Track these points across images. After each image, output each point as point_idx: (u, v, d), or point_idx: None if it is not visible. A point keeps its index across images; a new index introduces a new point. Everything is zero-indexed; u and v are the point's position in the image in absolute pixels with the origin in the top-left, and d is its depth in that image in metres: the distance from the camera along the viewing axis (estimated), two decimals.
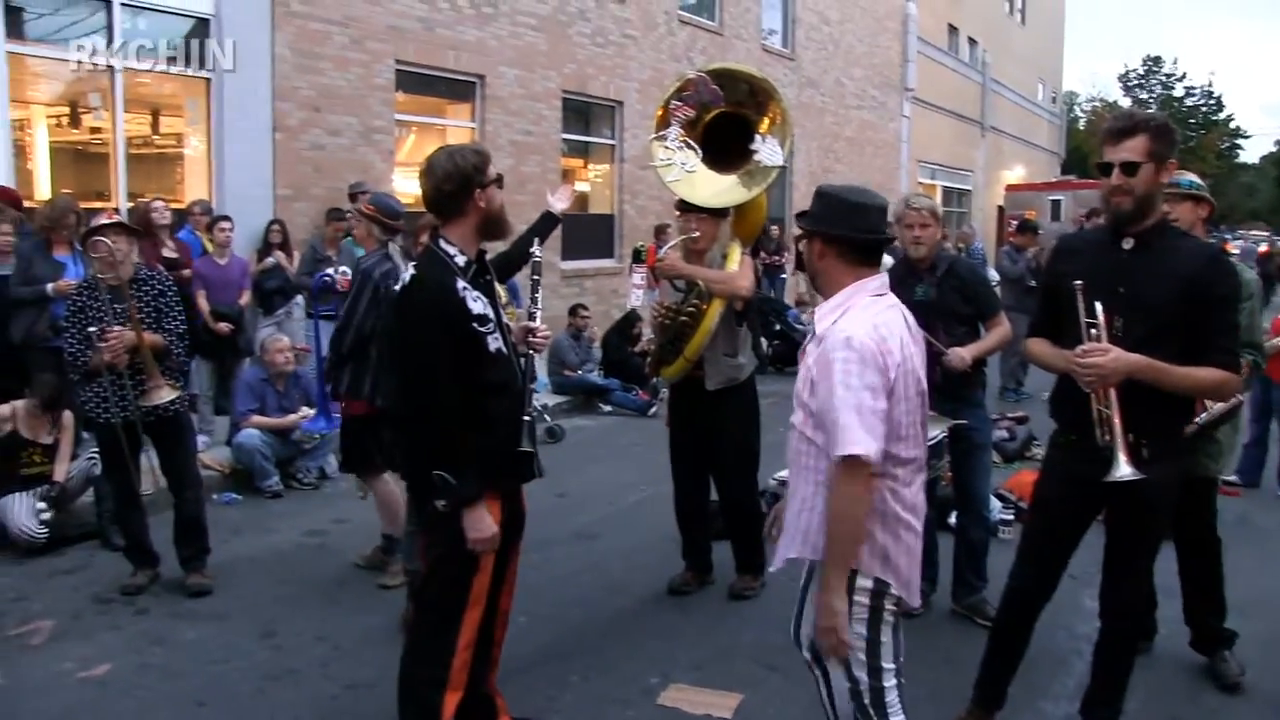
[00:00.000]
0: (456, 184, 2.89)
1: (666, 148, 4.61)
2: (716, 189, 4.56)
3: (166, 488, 4.91)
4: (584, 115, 13.59)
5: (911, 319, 2.59)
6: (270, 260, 8.28)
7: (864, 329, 2.39)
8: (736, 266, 4.52)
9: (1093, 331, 2.90)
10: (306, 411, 6.72)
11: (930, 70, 23.68)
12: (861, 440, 2.30)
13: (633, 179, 13.76)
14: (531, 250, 3.53)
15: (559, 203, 4.62)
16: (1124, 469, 2.83)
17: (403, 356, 2.87)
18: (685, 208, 4.60)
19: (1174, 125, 2.97)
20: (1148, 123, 2.87)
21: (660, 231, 11.96)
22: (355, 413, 4.70)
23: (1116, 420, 2.85)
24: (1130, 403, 2.88)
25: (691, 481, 4.86)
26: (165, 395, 4.60)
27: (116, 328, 4.54)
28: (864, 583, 2.44)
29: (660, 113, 4.67)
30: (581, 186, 14.11)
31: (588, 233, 13.26)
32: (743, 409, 4.67)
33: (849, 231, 2.51)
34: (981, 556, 4.52)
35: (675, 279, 4.59)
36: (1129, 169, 2.85)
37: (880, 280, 2.55)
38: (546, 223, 4.58)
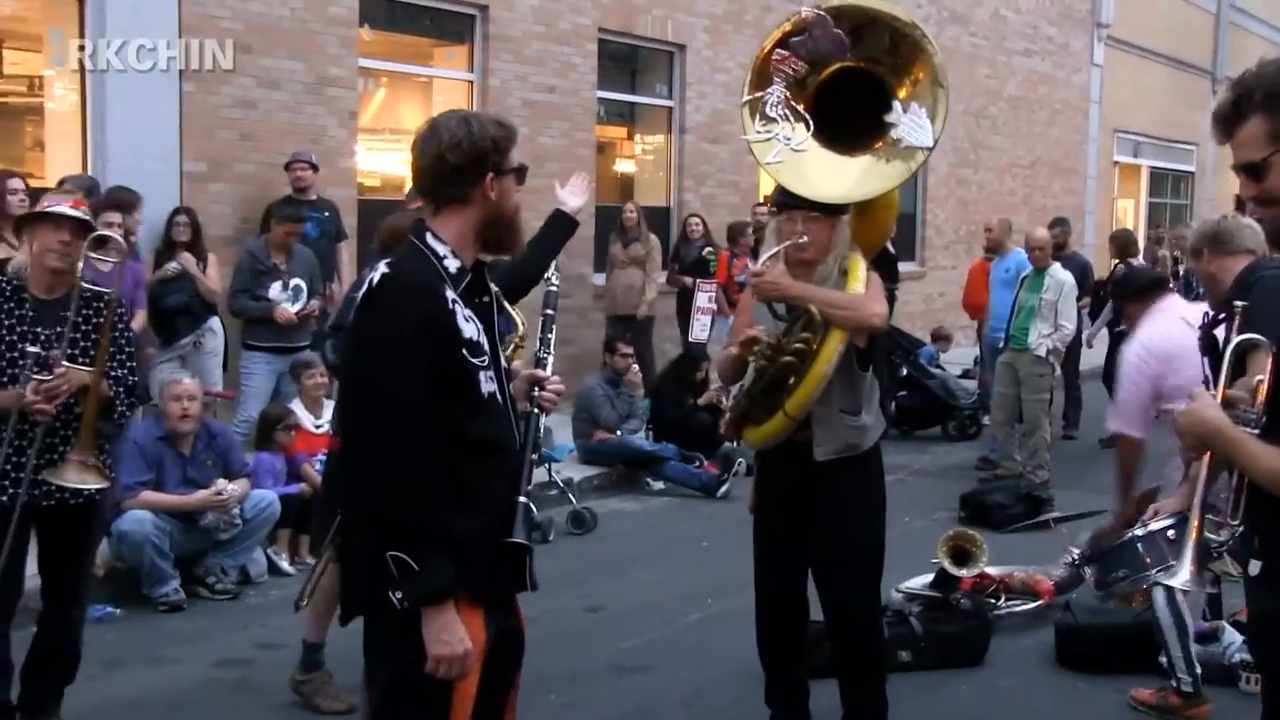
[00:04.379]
0: (465, 158, 3.01)
1: (767, 116, 4.68)
2: (840, 177, 4.63)
3: (42, 597, 4.84)
4: (629, 65, 13.79)
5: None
6: (173, 266, 8.40)
7: None
8: (862, 287, 4.57)
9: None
10: (224, 484, 6.83)
11: None
12: None
13: (698, 157, 13.93)
14: (548, 275, 3.68)
15: (572, 198, 4.75)
16: (1183, 575, 2.90)
17: (359, 386, 2.95)
18: (788, 203, 4.67)
19: None
20: (1251, 94, 2.72)
21: (737, 234, 12.07)
22: None
23: (1196, 506, 2.88)
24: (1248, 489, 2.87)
25: (783, 592, 4.89)
26: (88, 478, 4.60)
27: (65, 362, 4.52)
28: None
29: (759, 64, 4.74)
30: (624, 167, 14.28)
31: None
32: (864, 489, 4.75)
33: None
34: None
35: (777, 301, 4.67)
36: (1253, 171, 2.79)
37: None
38: (559, 227, 4.72)
